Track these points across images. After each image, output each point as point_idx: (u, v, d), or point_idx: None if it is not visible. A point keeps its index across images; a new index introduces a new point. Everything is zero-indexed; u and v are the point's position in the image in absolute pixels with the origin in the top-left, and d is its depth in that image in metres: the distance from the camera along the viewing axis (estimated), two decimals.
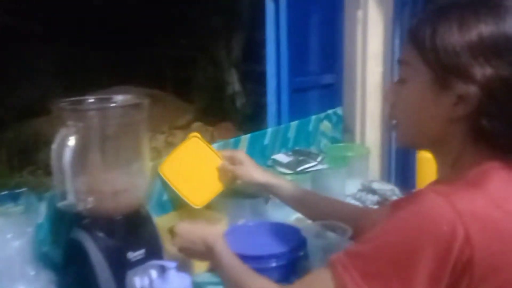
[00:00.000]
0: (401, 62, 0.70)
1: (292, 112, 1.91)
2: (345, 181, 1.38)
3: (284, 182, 1.10)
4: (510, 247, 0.59)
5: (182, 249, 0.92)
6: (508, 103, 0.62)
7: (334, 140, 1.77)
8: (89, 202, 0.86)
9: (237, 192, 1.18)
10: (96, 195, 0.88)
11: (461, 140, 0.66)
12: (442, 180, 0.71)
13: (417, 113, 0.69)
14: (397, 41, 2.19)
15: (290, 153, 1.36)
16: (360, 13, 2.15)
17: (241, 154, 1.13)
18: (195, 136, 1.17)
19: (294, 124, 1.61)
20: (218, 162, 1.14)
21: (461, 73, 0.61)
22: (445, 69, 0.63)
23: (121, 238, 0.90)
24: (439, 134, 0.68)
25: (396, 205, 0.85)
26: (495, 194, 0.61)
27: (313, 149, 1.49)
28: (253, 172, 1.08)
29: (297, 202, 1.06)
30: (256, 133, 1.51)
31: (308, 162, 1.33)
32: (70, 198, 0.82)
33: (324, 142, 1.70)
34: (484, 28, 0.61)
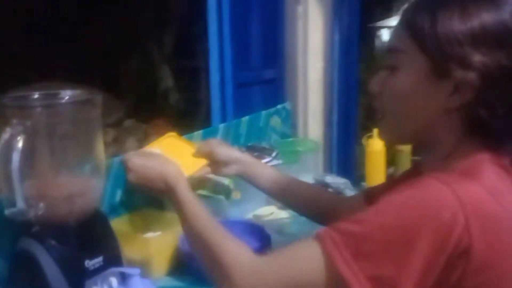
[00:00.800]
0: (392, 50, 0.68)
1: (236, 107, 1.88)
2: (298, 176, 1.38)
3: (262, 165, 1.06)
4: (506, 242, 0.59)
5: (137, 185, 0.85)
6: (506, 92, 0.62)
7: (284, 135, 1.77)
8: (40, 208, 0.78)
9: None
10: (48, 200, 0.80)
11: (453, 132, 0.65)
12: (431, 171, 0.66)
13: (408, 103, 0.67)
14: (336, 37, 2.23)
15: (244, 149, 1.34)
16: (300, 9, 2.17)
17: (215, 140, 1.10)
18: (172, 136, 1.08)
19: (245, 119, 1.59)
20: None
21: (461, 61, 0.60)
22: (445, 57, 0.61)
23: (77, 245, 0.84)
24: (430, 126, 0.67)
25: (375, 193, 0.87)
26: (490, 186, 0.60)
27: (265, 144, 1.47)
28: (229, 150, 1.02)
29: (276, 189, 0.99)
30: (208, 129, 1.47)
31: (263, 158, 1.31)
32: (20, 205, 0.74)
33: (274, 137, 1.70)
34: (486, 17, 0.60)
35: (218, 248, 0.69)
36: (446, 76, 0.62)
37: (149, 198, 1.11)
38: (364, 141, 1.48)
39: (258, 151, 1.36)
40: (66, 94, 0.86)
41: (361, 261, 0.56)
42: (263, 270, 0.64)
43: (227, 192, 1.16)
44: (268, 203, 1.30)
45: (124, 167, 0.86)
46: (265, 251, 0.99)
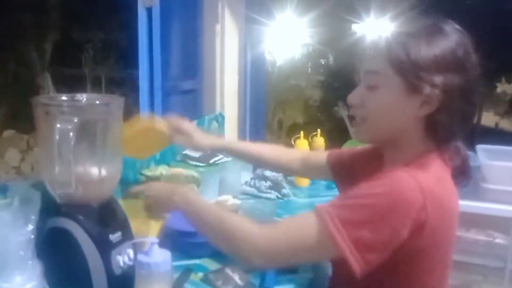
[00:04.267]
0: (371, 72, 0.85)
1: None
2: (241, 171, 1.63)
3: (234, 143, 1.32)
4: (446, 215, 0.79)
5: (156, 205, 1.05)
6: (460, 103, 0.81)
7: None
8: (79, 190, 0.93)
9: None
10: (84, 184, 0.95)
11: (416, 135, 0.85)
12: (394, 163, 0.88)
13: (388, 113, 0.84)
14: (249, 53, 2.53)
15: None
16: (218, 27, 2.42)
17: (187, 125, 1.27)
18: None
19: (193, 123, 1.78)
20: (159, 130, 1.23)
21: (429, 81, 0.79)
22: (416, 78, 0.80)
23: (102, 223, 0.98)
24: (402, 129, 0.85)
25: (337, 157, 1.18)
26: (438, 175, 0.81)
27: None
28: (203, 141, 1.25)
29: (253, 158, 1.29)
30: None
31: (216, 156, 1.53)
32: (73, 186, 0.88)
33: None
34: (442, 46, 0.79)
35: (233, 228, 0.88)
36: (416, 92, 0.81)
37: None
38: (292, 141, 1.78)
39: (210, 150, 1.58)
40: (84, 97, 1.02)
41: (347, 225, 0.75)
42: (271, 236, 0.83)
43: (197, 182, 1.37)
44: (221, 193, 1.53)
45: (141, 196, 1.06)
46: None
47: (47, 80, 5.68)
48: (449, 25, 0.84)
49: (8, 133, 5.23)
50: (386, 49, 0.83)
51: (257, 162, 1.33)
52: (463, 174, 0.91)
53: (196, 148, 1.28)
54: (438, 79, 0.80)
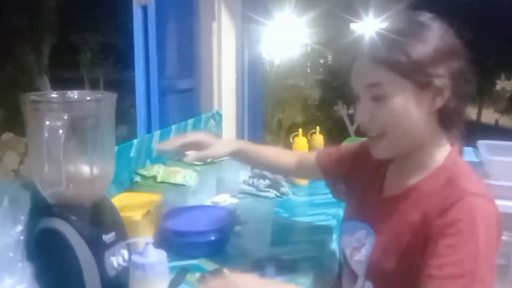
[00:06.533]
0: (374, 84, 0.83)
1: (161, 115, 2.03)
2: (239, 169, 1.61)
3: (244, 147, 1.26)
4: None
5: None
6: (463, 83, 0.83)
7: (217, 136, 1.97)
8: (70, 189, 0.90)
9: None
10: (74, 182, 0.92)
11: (432, 131, 0.86)
12: (427, 166, 0.88)
13: (407, 117, 0.83)
14: (246, 51, 2.51)
15: None
16: (215, 25, 2.39)
17: (204, 137, 1.19)
18: None
19: (190, 121, 1.77)
20: None
21: (436, 74, 0.80)
22: (425, 75, 0.80)
23: (94, 223, 0.96)
24: (423, 131, 0.85)
25: (324, 158, 1.18)
26: (475, 175, 0.85)
27: None
28: (220, 149, 1.20)
29: (259, 163, 1.29)
30: (163, 130, 1.62)
31: None
32: (64, 185, 0.86)
33: None
34: (431, 40, 0.81)
35: None
36: (426, 88, 0.81)
37: None
38: (291, 139, 1.76)
39: None
40: (75, 94, 0.99)
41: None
42: None
43: (195, 180, 1.34)
44: (219, 192, 1.51)
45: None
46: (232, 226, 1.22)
47: (45, 83, 5.66)
48: (423, 16, 0.85)
49: (6, 136, 5.21)
50: (383, 58, 0.82)
51: (264, 167, 1.37)
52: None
53: (214, 158, 1.29)
54: (443, 69, 0.81)
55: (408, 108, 0.83)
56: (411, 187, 0.89)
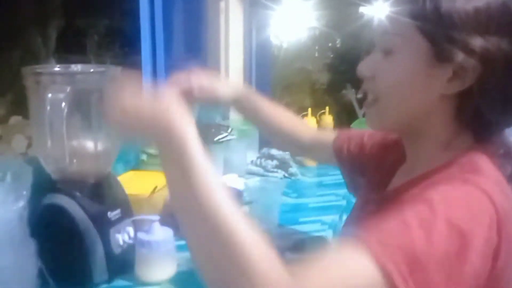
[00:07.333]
0: (388, 32, 0.65)
1: None
2: (246, 149, 1.58)
3: (253, 96, 0.99)
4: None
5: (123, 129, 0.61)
6: (506, 81, 0.59)
7: (225, 116, 1.94)
8: (74, 165, 0.88)
9: None
10: (78, 158, 0.90)
11: (445, 122, 0.64)
12: (430, 163, 0.65)
13: (406, 87, 0.64)
14: (254, 30, 2.47)
15: (202, 126, 1.48)
16: (222, 4, 2.35)
17: (207, 80, 0.92)
18: None
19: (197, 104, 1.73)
20: None
21: (463, 44, 0.57)
22: (446, 39, 0.58)
23: (99, 200, 0.94)
24: (424, 113, 0.64)
25: (343, 143, 0.93)
26: (497, 180, 0.59)
27: (220, 121, 1.64)
28: (223, 90, 0.94)
29: (267, 123, 1.00)
30: None
31: (221, 133, 1.48)
32: (67, 160, 0.84)
33: (218, 117, 1.86)
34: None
35: (239, 246, 0.48)
36: (445, 60, 0.59)
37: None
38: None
39: (214, 127, 1.52)
40: (79, 67, 0.97)
41: (415, 275, 0.49)
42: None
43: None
44: (226, 173, 1.48)
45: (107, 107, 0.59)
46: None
47: (52, 64, 5.66)
48: None
49: (14, 119, 5.24)
50: (410, 1, 0.62)
51: (271, 130, 1.02)
52: None
53: (213, 101, 0.95)
54: (477, 42, 0.57)
55: (415, 76, 0.63)
56: (394, 190, 0.72)
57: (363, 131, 0.95)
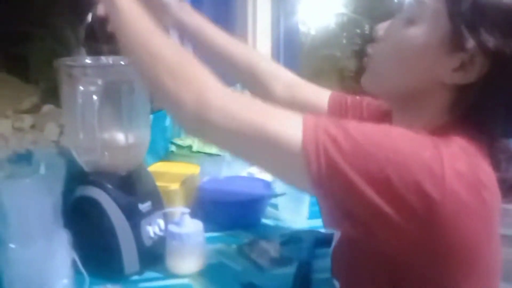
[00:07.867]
0: (417, 2, 0.64)
1: None
2: None
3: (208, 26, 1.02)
4: (483, 218, 0.57)
5: None
6: (509, 82, 0.59)
7: None
8: (106, 157, 0.89)
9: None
10: (110, 150, 0.90)
11: (439, 110, 0.64)
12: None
13: (410, 60, 0.63)
14: (282, 17, 2.44)
15: None
16: None
17: None
18: None
19: None
20: None
21: (479, 35, 0.57)
22: (468, 27, 0.58)
23: (130, 192, 0.94)
24: (418, 92, 0.64)
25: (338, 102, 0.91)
26: (471, 155, 0.58)
27: None
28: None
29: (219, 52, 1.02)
30: None
31: None
32: (98, 152, 0.84)
33: None
34: None
35: (183, 59, 0.67)
36: (459, 48, 0.59)
37: None
38: None
39: None
40: (110, 60, 0.97)
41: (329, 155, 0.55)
42: (235, 108, 0.62)
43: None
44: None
45: None
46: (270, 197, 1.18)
47: (83, 56, 5.73)
48: None
49: (47, 108, 5.34)
50: None
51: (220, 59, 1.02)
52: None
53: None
54: (493, 39, 0.57)
55: (422, 52, 0.62)
56: None
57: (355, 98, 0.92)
